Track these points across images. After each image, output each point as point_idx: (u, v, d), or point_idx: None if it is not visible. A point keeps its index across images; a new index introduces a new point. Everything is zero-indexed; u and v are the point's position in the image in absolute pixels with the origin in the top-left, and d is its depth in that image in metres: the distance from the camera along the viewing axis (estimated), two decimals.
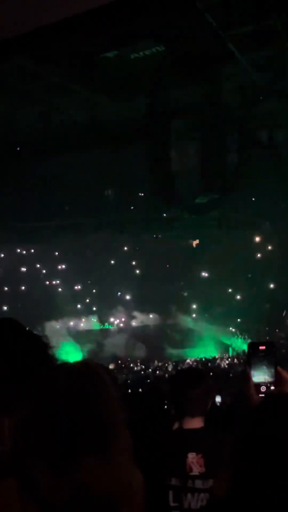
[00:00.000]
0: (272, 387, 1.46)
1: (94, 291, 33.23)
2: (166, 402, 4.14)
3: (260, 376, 1.48)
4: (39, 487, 1.10)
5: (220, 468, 2.01)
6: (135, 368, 21.71)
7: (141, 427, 2.86)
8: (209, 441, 2.15)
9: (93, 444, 1.13)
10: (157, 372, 19.84)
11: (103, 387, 1.18)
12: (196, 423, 2.24)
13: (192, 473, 2.08)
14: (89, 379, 1.18)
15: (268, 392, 1.46)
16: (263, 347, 1.51)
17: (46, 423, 1.14)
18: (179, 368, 20.00)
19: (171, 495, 2.07)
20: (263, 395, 1.46)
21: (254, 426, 1.11)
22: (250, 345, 1.54)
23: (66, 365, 1.25)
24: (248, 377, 1.48)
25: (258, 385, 1.47)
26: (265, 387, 1.47)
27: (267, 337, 23.07)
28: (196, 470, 2.08)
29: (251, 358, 1.50)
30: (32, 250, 32.65)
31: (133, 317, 32.63)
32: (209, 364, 20.86)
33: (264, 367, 1.48)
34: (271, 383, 1.47)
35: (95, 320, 32.59)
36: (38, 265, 33.66)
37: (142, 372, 19.94)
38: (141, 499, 1.28)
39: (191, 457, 2.10)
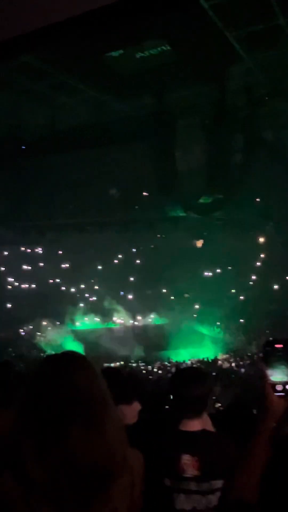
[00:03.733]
0: None
1: (97, 289, 33.25)
2: (167, 401, 4.14)
3: (277, 375, 1.44)
4: (27, 470, 1.12)
5: (215, 472, 2.00)
6: (137, 368, 21.69)
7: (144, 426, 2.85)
8: (206, 445, 2.10)
9: (81, 417, 1.17)
10: (159, 371, 19.83)
11: (85, 368, 1.26)
12: (193, 425, 2.17)
13: (185, 474, 2.04)
14: (72, 362, 1.27)
15: (284, 391, 1.42)
16: (280, 346, 1.46)
17: (35, 402, 1.20)
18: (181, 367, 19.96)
19: (164, 495, 2.04)
20: (280, 394, 1.42)
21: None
22: (267, 343, 1.49)
23: (51, 355, 1.35)
24: (264, 376, 1.45)
25: (274, 384, 1.43)
26: (281, 386, 1.42)
27: (271, 338, 22.95)
28: (190, 473, 2.04)
29: (268, 357, 1.46)
30: (36, 249, 32.70)
31: (135, 317, 32.62)
32: (211, 364, 20.83)
33: (282, 366, 1.44)
34: (287, 382, 1.43)
35: (97, 319, 32.61)
36: (42, 264, 33.70)
37: (144, 371, 19.94)
38: (138, 477, 1.29)
39: (186, 458, 2.05)
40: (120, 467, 1.21)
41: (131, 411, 2.50)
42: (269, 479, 1.08)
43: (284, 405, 1.41)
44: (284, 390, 1.42)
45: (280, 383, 1.43)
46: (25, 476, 1.12)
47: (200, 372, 2.36)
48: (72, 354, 1.30)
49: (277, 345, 1.46)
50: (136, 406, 2.55)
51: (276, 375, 1.44)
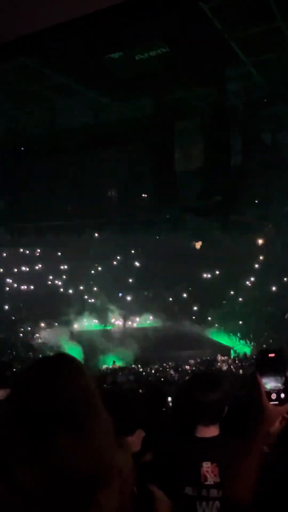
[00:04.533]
0: (282, 394, 1.47)
1: (95, 291, 33.25)
2: (165, 403, 4.13)
3: (271, 383, 1.49)
4: (17, 478, 1.10)
5: (234, 477, 2.01)
6: (136, 369, 21.69)
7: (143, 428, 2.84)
8: (224, 450, 2.09)
9: (69, 423, 1.14)
10: (157, 374, 19.83)
11: (77, 372, 1.22)
12: (210, 431, 2.18)
13: (206, 482, 2.05)
14: (62, 365, 1.23)
15: (278, 399, 1.47)
16: (273, 355, 1.52)
17: (21, 408, 1.16)
18: (180, 369, 19.99)
19: (186, 504, 2.04)
20: (274, 402, 1.47)
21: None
22: (260, 353, 1.55)
23: (42, 357, 1.32)
24: (259, 384, 1.49)
25: (269, 392, 1.48)
26: (275, 394, 1.48)
27: (270, 340, 23.01)
28: (210, 480, 2.06)
29: (261, 366, 1.51)
30: (35, 251, 32.70)
31: (134, 318, 32.63)
32: (211, 366, 20.83)
33: (275, 374, 1.49)
34: (281, 390, 1.48)
35: (96, 321, 32.60)
36: (40, 265, 33.71)
37: (143, 373, 19.94)
38: (127, 481, 1.28)
39: (206, 466, 2.07)
40: (109, 472, 1.20)
41: (135, 440, 2.49)
42: (266, 481, 1.10)
43: (279, 411, 1.47)
44: (278, 398, 1.48)
45: (273, 391, 1.49)
46: (16, 482, 1.11)
47: (216, 378, 2.36)
48: (62, 357, 1.27)
49: (270, 355, 1.53)
50: (140, 434, 2.53)
51: (270, 384, 1.49)
